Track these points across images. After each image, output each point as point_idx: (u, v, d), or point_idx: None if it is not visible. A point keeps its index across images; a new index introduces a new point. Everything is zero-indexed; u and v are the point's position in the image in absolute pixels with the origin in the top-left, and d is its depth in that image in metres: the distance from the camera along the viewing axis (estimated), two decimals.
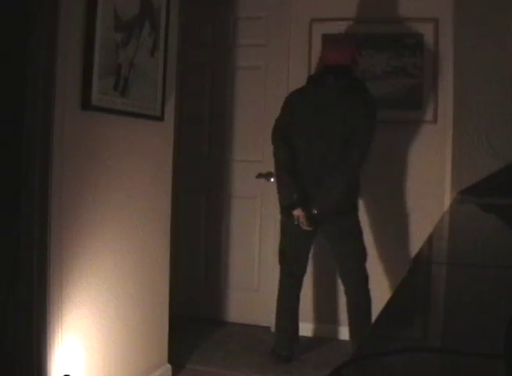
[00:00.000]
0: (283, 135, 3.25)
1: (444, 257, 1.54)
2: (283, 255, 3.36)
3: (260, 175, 3.95)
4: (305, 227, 3.13)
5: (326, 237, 3.28)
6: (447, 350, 0.77)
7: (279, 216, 3.83)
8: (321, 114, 3.13)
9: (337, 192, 3.10)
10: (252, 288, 4.04)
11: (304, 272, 3.38)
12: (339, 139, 3.08)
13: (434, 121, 3.63)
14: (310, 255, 3.45)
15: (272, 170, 3.90)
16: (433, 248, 1.61)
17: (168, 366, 3.06)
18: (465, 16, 2.87)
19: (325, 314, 3.84)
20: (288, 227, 3.27)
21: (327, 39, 3.36)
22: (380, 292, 3.62)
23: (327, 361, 3.35)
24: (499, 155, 2.75)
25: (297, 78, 3.79)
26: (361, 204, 3.75)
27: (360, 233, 3.28)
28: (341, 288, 3.51)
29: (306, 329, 3.75)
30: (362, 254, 3.27)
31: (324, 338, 3.77)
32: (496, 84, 2.79)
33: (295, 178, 3.16)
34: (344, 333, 3.70)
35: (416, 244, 3.46)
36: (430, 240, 1.67)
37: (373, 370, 0.74)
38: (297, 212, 3.12)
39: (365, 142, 3.08)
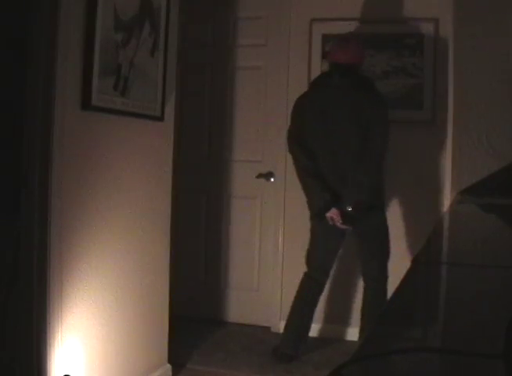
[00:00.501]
0: (298, 141, 3.23)
1: (444, 257, 1.54)
2: (310, 258, 3.32)
3: (260, 175, 3.95)
4: (342, 226, 3.12)
5: (356, 236, 3.27)
6: (447, 350, 0.77)
7: (279, 216, 3.84)
8: (333, 113, 3.14)
9: (365, 186, 3.11)
10: (252, 288, 4.04)
11: (327, 277, 3.35)
12: (355, 134, 3.10)
13: (434, 121, 3.63)
14: None
15: (273, 170, 3.91)
16: (433, 248, 1.61)
17: (168, 366, 3.06)
18: (465, 16, 2.86)
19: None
20: (320, 231, 3.25)
21: (336, 38, 3.35)
22: None
23: (329, 361, 3.35)
24: (499, 155, 2.74)
25: (297, 78, 3.79)
26: None
27: (387, 229, 3.29)
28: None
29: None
30: (386, 253, 3.28)
31: (329, 338, 3.74)
32: (496, 85, 2.78)
33: (322, 180, 3.15)
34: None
35: (416, 244, 3.45)
36: (430, 240, 1.67)
37: (373, 370, 0.74)
38: (332, 213, 3.10)
39: (383, 133, 3.10)
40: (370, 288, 3.27)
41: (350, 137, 3.10)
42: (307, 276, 3.33)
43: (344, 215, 3.09)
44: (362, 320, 3.29)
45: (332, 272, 3.44)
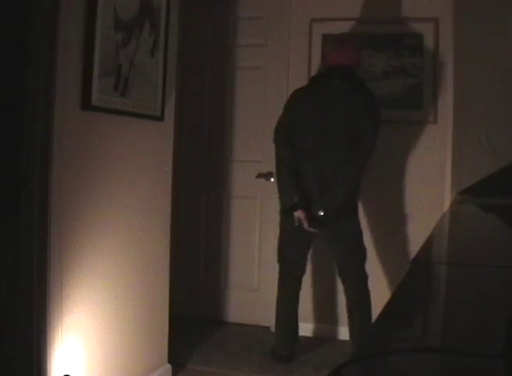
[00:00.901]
0: (286, 134, 3.22)
1: (444, 257, 1.54)
2: (282, 255, 3.36)
3: (260, 175, 3.95)
4: (309, 229, 3.12)
5: (326, 238, 3.28)
6: (447, 350, 0.77)
7: (279, 216, 3.83)
8: (326, 115, 3.13)
9: (344, 194, 3.10)
10: (252, 288, 4.04)
11: (303, 272, 3.38)
12: (343, 140, 3.08)
13: (434, 121, 3.63)
14: (309, 255, 3.45)
15: (272, 170, 3.90)
16: (433, 248, 1.61)
17: (168, 366, 3.06)
18: (465, 16, 2.86)
19: (325, 314, 3.84)
20: (288, 227, 3.26)
21: (333, 39, 3.35)
22: (380, 292, 3.62)
23: (327, 361, 3.35)
24: (499, 155, 2.74)
25: (297, 78, 3.79)
26: (361, 204, 3.75)
27: (360, 233, 3.29)
28: (341, 288, 3.51)
29: (306, 329, 3.74)
30: (362, 255, 3.27)
31: (324, 338, 3.77)
32: (496, 85, 2.78)
33: (297, 179, 3.15)
34: (344, 333, 3.70)
35: (416, 244, 3.45)
36: (430, 240, 1.67)
37: (373, 370, 0.74)
38: (298, 213, 3.11)
39: (371, 144, 3.10)
40: (350, 289, 3.26)
41: (336, 142, 3.10)
42: (284, 274, 3.36)
43: (312, 218, 3.09)
44: (350, 320, 3.28)
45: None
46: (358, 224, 3.28)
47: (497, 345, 0.72)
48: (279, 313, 3.38)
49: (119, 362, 2.62)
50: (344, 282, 3.29)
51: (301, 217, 3.10)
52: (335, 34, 3.44)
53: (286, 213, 3.21)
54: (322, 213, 3.07)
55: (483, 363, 0.71)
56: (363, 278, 3.25)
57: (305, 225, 3.11)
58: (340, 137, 3.09)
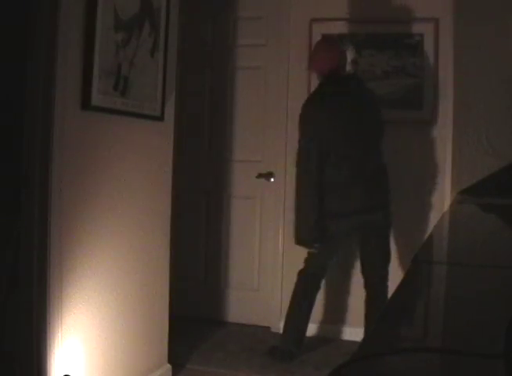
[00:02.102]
0: (316, 158, 3.04)
1: (444, 257, 1.54)
2: (311, 256, 3.32)
3: (260, 175, 3.95)
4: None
5: (363, 237, 3.31)
6: (447, 350, 0.77)
7: (279, 216, 3.84)
8: (352, 122, 3.15)
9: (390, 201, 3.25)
10: (252, 288, 4.04)
11: (325, 273, 3.36)
12: (373, 138, 3.25)
13: (434, 121, 3.63)
14: None
15: (273, 170, 3.91)
16: (433, 248, 1.61)
17: (168, 366, 3.06)
18: (465, 16, 2.86)
19: (329, 314, 3.83)
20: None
21: (316, 46, 3.33)
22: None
23: (329, 361, 3.35)
24: (499, 155, 2.75)
25: (297, 78, 3.79)
26: None
27: (390, 228, 3.34)
28: (346, 288, 3.52)
29: (310, 328, 3.73)
30: (389, 254, 3.32)
31: (327, 338, 3.75)
32: (496, 84, 2.78)
33: (317, 213, 3.07)
34: (348, 333, 3.70)
35: (416, 244, 3.46)
36: (430, 240, 1.67)
37: (373, 370, 0.74)
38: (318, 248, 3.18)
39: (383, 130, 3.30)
40: (374, 287, 3.29)
41: (369, 142, 3.20)
42: (304, 272, 3.33)
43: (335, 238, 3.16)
44: (367, 321, 3.28)
45: (329, 272, 3.45)
46: (390, 223, 3.34)
47: (497, 345, 0.72)
48: (293, 310, 3.33)
49: (119, 362, 2.62)
50: (367, 279, 3.31)
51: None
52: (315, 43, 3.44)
53: (301, 243, 3.20)
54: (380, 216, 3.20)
55: (483, 363, 0.71)
56: (385, 280, 3.28)
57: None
58: (369, 138, 3.22)
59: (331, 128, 3.11)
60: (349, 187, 3.11)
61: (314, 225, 3.08)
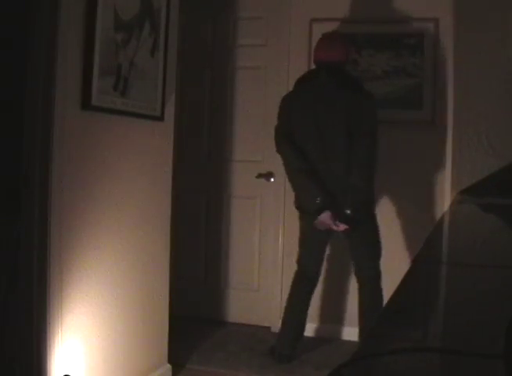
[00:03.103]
0: (288, 140, 3.18)
1: (444, 257, 1.54)
2: (301, 258, 3.34)
3: (260, 175, 3.95)
4: (339, 228, 3.07)
5: (347, 236, 3.25)
6: (447, 350, 0.77)
7: (279, 216, 3.84)
8: (321, 112, 3.11)
9: (362, 188, 3.07)
10: (252, 288, 4.04)
11: (316, 274, 3.35)
12: (343, 134, 3.07)
13: (434, 121, 3.63)
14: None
15: (273, 170, 3.91)
16: (433, 248, 1.61)
17: (168, 366, 3.06)
18: (465, 16, 2.86)
19: (328, 314, 3.83)
20: (309, 232, 3.26)
21: (320, 38, 3.34)
22: None
23: (328, 361, 3.35)
24: (499, 155, 2.74)
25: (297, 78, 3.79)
26: None
27: (378, 229, 3.29)
28: (346, 288, 3.51)
29: (309, 329, 3.74)
30: (378, 252, 3.29)
31: (326, 338, 3.76)
32: (496, 85, 2.78)
33: (316, 181, 3.09)
34: (347, 333, 3.70)
35: (416, 244, 3.46)
36: (430, 240, 1.67)
37: (373, 370, 0.74)
38: (324, 218, 3.05)
39: (372, 132, 3.07)
40: (366, 288, 3.27)
41: (338, 137, 3.08)
42: (298, 275, 3.35)
43: (341, 216, 3.06)
44: (361, 320, 3.29)
45: (327, 272, 3.45)
46: (375, 219, 3.28)
47: (497, 345, 0.72)
48: (289, 313, 3.35)
49: (119, 362, 2.62)
50: (360, 281, 3.29)
51: (326, 221, 3.05)
52: (324, 34, 3.43)
53: (309, 217, 3.15)
54: (349, 211, 3.03)
55: (483, 363, 0.71)
56: (378, 278, 3.25)
57: (334, 226, 3.06)
58: (339, 132, 3.07)
59: (295, 120, 3.18)
60: (326, 183, 3.12)
61: (312, 191, 3.09)
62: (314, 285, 3.36)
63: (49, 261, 2.17)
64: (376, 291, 3.24)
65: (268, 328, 3.87)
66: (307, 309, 3.36)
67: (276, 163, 3.89)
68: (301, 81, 3.29)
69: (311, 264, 3.33)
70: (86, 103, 2.30)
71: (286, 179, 3.79)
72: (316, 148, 3.13)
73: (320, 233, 3.19)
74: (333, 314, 3.82)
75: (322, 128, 3.11)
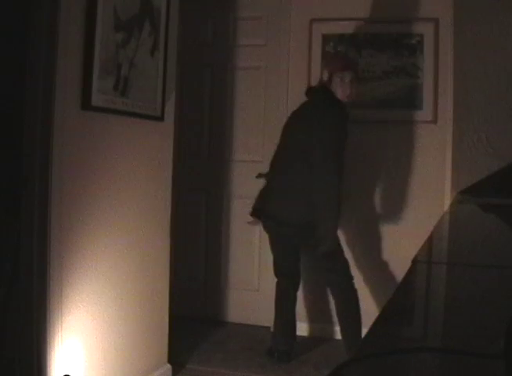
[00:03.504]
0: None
1: (444, 257, 1.54)
2: (274, 265, 3.43)
3: (260, 175, 3.95)
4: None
5: (310, 256, 3.35)
6: (447, 350, 0.77)
7: None
8: (293, 130, 3.23)
9: (330, 224, 3.05)
10: (252, 288, 4.04)
11: (297, 270, 3.38)
12: (299, 154, 3.13)
13: (434, 121, 3.63)
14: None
15: None
16: (433, 248, 1.61)
17: (168, 366, 3.06)
18: (465, 16, 2.86)
19: (321, 314, 3.84)
20: (270, 237, 3.37)
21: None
22: (380, 292, 3.62)
23: (327, 361, 3.35)
24: (499, 155, 2.75)
25: (297, 78, 3.79)
26: (361, 204, 3.75)
27: (341, 252, 3.26)
28: None
29: (302, 328, 3.75)
30: (346, 265, 3.26)
31: (326, 337, 3.76)
32: (496, 85, 2.78)
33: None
34: (339, 333, 3.70)
35: (416, 244, 3.45)
36: (430, 240, 1.67)
37: (373, 370, 0.74)
38: (252, 222, 3.38)
39: (320, 159, 3.00)
40: (336, 295, 3.26)
41: (295, 155, 3.15)
42: (277, 275, 3.42)
43: (316, 252, 3.11)
44: (341, 327, 3.25)
45: (321, 272, 3.45)
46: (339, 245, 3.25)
47: (497, 345, 0.72)
48: (277, 313, 3.42)
49: (119, 362, 2.62)
50: (331, 291, 3.32)
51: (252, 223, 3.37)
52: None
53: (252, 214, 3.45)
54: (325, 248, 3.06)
55: (483, 363, 0.71)
56: (349, 283, 3.23)
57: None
58: (296, 151, 3.14)
59: (282, 133, 3.32)
60: (269, 192, 3.30)
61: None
62: (296, 282, 3.39)
63: (49, 261, 2.17)
64: (350, 297, 3.22)
65: (268, 328, 3.86)
66: (295, 307, 3.39)
67: None
68: (301, 105, 3.35)
69: (285, 263, 3.38)
70: (86, 103, 2.30)
71: None
72: (279, 159, 3.27)
73: (284, 239, 3.30)
74: (326, 314, 3.82)
75: (288, 144, 3.21)
